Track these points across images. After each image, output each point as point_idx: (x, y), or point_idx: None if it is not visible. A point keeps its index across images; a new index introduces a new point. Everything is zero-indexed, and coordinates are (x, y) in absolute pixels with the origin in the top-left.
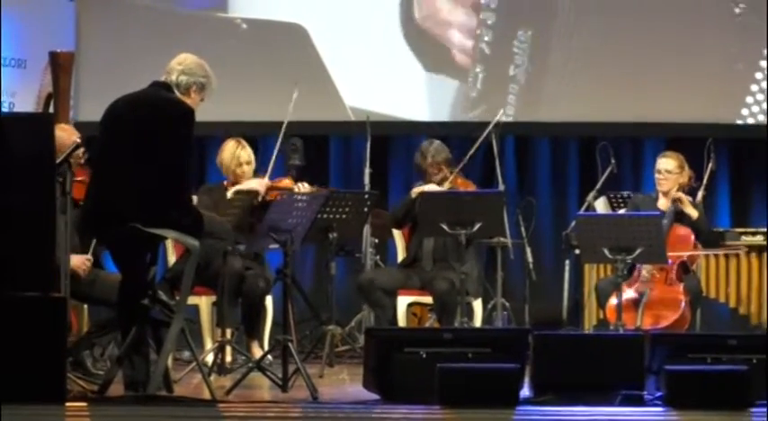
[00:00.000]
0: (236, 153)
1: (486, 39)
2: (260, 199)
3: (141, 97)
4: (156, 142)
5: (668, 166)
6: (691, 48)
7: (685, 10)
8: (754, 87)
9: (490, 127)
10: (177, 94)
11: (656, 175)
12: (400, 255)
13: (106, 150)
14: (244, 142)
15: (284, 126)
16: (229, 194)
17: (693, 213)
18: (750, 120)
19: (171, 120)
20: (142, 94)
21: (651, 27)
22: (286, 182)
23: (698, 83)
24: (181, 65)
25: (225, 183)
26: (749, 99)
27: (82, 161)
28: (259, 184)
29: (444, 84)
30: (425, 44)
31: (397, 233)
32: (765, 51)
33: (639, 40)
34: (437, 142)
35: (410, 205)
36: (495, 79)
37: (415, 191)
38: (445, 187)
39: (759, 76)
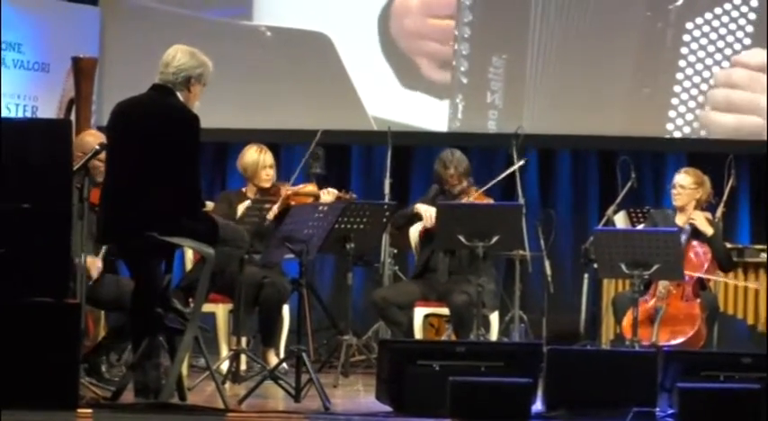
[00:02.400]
0: (260, 157)
1: (462, 69)
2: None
3: (146, 104)
4: (165, 152)
5: (683, 182)
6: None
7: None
8: None
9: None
10: (178, 93)
11: (672, 190)
12: (416, 266)
13: (116, 159)
14: (265, 147)
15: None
16: (240, 209)
17: (708, 230)
18: None
19: (178, 129)
20: (146, 100)
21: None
22: (309, 188)
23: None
24: (175, 61)
25: (244, 189)
26: None
27: None
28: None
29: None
30: (401, 60)
31: (415, 244)
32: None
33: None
34: (458, 152)
35: (410, 218)
36: (475, 107)
37: (418, 207)
38: (464, 201)
39: None
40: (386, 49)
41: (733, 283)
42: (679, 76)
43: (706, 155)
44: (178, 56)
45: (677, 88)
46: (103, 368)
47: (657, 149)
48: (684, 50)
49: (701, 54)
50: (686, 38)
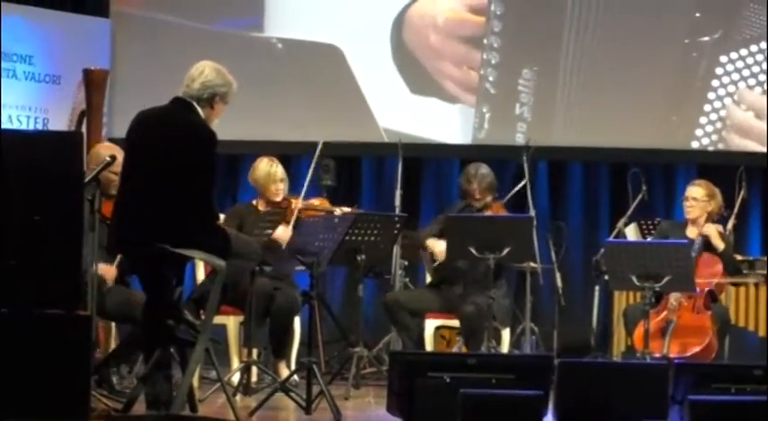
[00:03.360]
0: (270, 170)
1: (490, 79)
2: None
3: (165, 118)
4: (181, 166)
5: (695, 194)
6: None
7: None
8: None
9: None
10: (199, 109)
11: (684, 203)
12: (429, 278)
13: (131, 171)
14: (276, 160)
15: (317, 153)
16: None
17: (720, 245)
18: None
19: (195, 144)
20: (166, 113)
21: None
22: (316, 202)
23: (710, 107)
24: (201, 76)
25: (255, 202)
26: None
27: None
28: (284, 234)
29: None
30: (413, 68)
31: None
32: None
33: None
34: (484, 167)
35: (417, 248)
36: (502, 117)
37: (430, 245)
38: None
39: None
40: (399, 60)
41: (743, 282)
42: (707, 107)
43: (717, 167)
44: (206, 72)
45: (702, 120)
46: (115, 380)
47: (668, 161)
48: (715, 83)
49: (731, 88)
50: (719, 70)
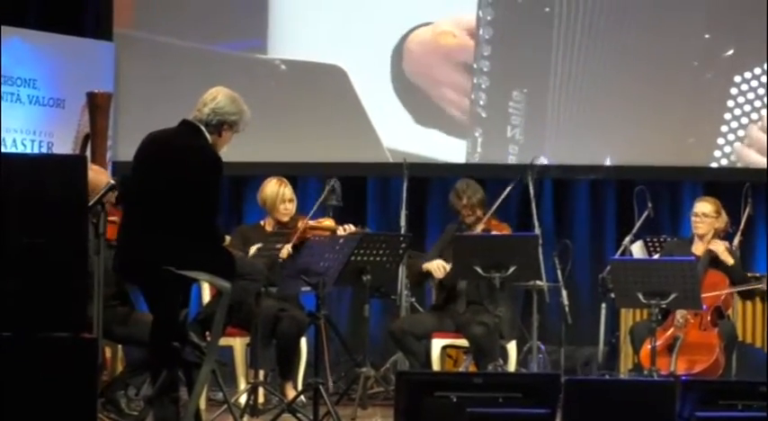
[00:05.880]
0: (279, 190)
1: (481, 102)
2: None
3: (172, 140)
4: (185, 188)
5: (704, 210)
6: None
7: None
8: None
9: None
10: (207, 133)
11: (693, 219)
12: (435, 298)
13: (137, 193)
14: (285, 181)
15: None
16: (252, 250)
17: (729, 260)
18: None
19: (200, 168)
20: (173, 136)
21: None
22: (327, 222)
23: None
24: (213, 102)
25: (262, 222)
26: None
27: (113, 201)
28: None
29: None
30: (416, 99)
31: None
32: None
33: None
34: (472, 183)
35: (423, 277)
36: (494, 141)
37: (426, 267)
38: (479, 230)
39: None
40: (400, 84)
41: (751, 289)
42: (723, 128)
43: (722, 183)
44: (219, 98)
45: (720, 140)
46: (123, 402)
47: (674, 178)
48: (730, 103)
49: (747, 108)
50: (733, 91)
